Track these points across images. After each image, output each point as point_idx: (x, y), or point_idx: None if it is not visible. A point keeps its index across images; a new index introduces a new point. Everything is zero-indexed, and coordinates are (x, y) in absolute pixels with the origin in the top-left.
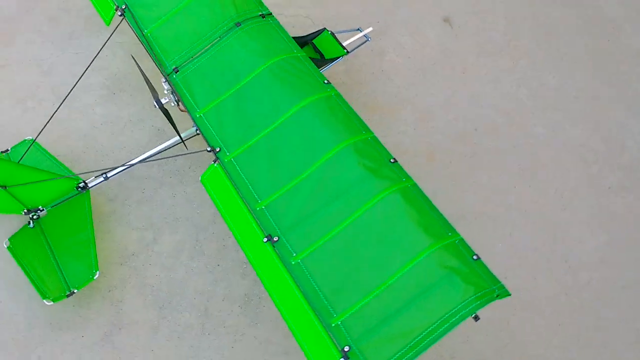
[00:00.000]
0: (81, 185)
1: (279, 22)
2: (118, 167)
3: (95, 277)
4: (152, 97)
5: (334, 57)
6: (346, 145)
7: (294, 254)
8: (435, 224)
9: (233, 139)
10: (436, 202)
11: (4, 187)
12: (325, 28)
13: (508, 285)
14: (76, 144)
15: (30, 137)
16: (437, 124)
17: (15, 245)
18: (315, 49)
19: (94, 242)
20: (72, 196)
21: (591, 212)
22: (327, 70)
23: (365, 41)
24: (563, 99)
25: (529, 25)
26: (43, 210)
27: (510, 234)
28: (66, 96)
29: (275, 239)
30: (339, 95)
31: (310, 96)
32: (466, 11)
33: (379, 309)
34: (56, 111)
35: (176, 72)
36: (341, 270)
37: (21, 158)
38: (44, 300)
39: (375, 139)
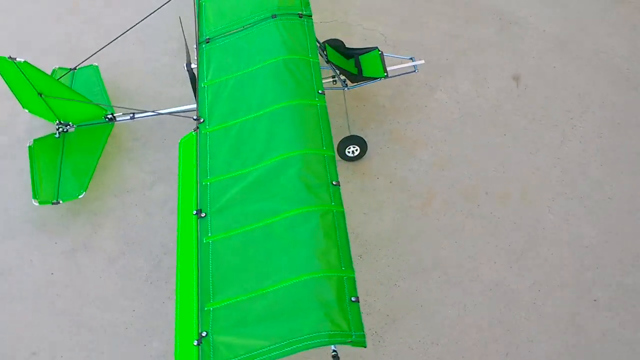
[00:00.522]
0: (109, 116)
1: (312, 25)
2: (147, 112)
3: (79, 197)
4: (186, 60)
5: (372, 76)
6: (298, 154)
7: (209, 234)
8: (334, 254)
9: (217, 116)
10: (412, 245)
11: (40, 94)
12: (377, 47)
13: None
14: (132, 82)
15: (97, 65)
16: (450, 174)
17: (37, 147)
18: (357, 64)
19: (94, 168)
20: (99, 123)
21: (559, 319)
22: (373, 89)
23: (412, 71)
24: (594, 195)
25: (599, 109)
26: (72, 127)
27: (465, 306)
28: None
29: (203, 215)
30: (323, 108)
31: (296, 99)
32: (541, 75)
33: (248, 311)
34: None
35: (207, 43)
36: (238, 264)
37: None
38: (33, 199)
39: (331, 158)
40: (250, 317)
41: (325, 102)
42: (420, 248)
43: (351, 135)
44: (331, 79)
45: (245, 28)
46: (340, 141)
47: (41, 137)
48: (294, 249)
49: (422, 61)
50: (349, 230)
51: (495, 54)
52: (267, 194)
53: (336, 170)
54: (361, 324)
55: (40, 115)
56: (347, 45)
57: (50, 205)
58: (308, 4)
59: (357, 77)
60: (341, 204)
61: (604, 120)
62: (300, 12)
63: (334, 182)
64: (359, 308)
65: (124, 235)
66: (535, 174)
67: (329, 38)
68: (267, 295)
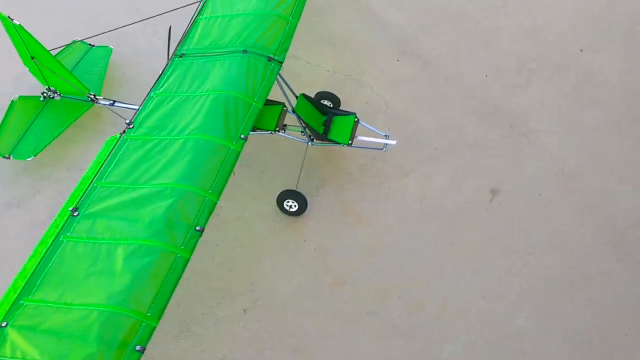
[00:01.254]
0: (91, 96)
1: (277, 71)
2: (126, 103)
3: (27, 159)
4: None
5: (334, 140)
6: (181, 188)
7: (68, 234)
8: (149, 296)
9: (145, 127)
10: (300, 319)
11: (32, 57)
12: (355, 113)
13: None
14: (139, 73)
15: (112, 48)
16: (377, 263)
17: (19, 103)
18: (327, 123)
19: (54, 138)
20: (81, 100)
21: None
22: (348, 153)
23: (380, 149)
24: (505, 342)
25: (565, 256)
26: (59, 96)
27: None
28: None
29: (76, 214)
30: (235, 153)
31: (214, 137)
32: (522, 198)
33: (47, 319)
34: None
35: (180, 57)
36: (74, 272)
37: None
38: None
39: (212, 203)
40: (44, 326)
41: (241, 148)
42: (306, 325)
43: (294, 191)
44: (301, 129)
45: (218, 55)
46: (282, 192)
47: (28, 96)
48: (118, 277)
49: (394, 142)
50: (252, 275)
51: (486, 159)
52: (131, 216)
53: (207, 218)
54: None
55: (36, 76)
56: (341, 102)
57: (7, 158)
58: (284, 51)
59: (321, 136)
60: (190, 251)
61: (562, 269)
62: (270, 56)
63: (197, 228)
64: (138, 358)
65: (56, 207)
66: (462, 296)
67: (328, 90)
68: (71, 311)
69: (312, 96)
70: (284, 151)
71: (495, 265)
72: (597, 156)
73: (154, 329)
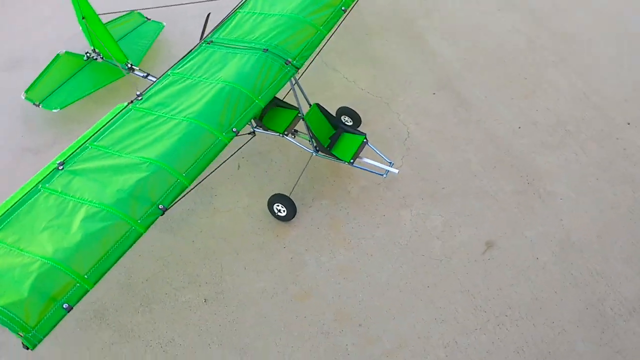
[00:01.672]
0: (128, 65)
1: (291, 76)
2: (157, 79)
3: (53, 110)
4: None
5: (336, 155)
6: (157, 165)
7: (47, 185)
8: (92, 259)
9: (152, 102)
10: (253, 330)
11: (83, 17)
12: (365, 135)
13: None
14: (179, 49)
15: (164, 25)
16: (345, 286)
17: (64, 57)
18: (335, 137)
19: (81, 97)
20: (119, 66)
21: None
22: (353, 173)
23: (380, 174)
24: None
25: (543, 330)
26: (101, 59)
27: None
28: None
29: (60, 168)
30: (221, 144)
31: (206, 124)
32: (516, 257)
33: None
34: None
35: (208, 44)
36: (37, 223)
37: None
38: (24, 92)
39: (182, 186)
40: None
41: (229, 140)
42: (259, 329)
43: (286, 196)
44: (308, 138)
45: (242, 48)
46: (274, 195)
47: (73, 53)
48: (71, 235)
49: (396, 171)
50: (223, 268)
51: (492, 211)
52: (105, 181)
53: (173, 199)
54: (49, 330)
55: (86, 36)
56: (362, 121)
57: (36, 106)
58: (304, 58)
59: (324, 149)
60: (145, 227)
61: (535, 340)
62: (289, 60)
63: (160, 206)
64: (61, 316)
65: None
66: (423, 340)
67: (354, 108)
68: (20, 257)
69: (335, 110)
70: (293, 156)
71: (467, 319)
72: (608, 235)
73: (86, 291)
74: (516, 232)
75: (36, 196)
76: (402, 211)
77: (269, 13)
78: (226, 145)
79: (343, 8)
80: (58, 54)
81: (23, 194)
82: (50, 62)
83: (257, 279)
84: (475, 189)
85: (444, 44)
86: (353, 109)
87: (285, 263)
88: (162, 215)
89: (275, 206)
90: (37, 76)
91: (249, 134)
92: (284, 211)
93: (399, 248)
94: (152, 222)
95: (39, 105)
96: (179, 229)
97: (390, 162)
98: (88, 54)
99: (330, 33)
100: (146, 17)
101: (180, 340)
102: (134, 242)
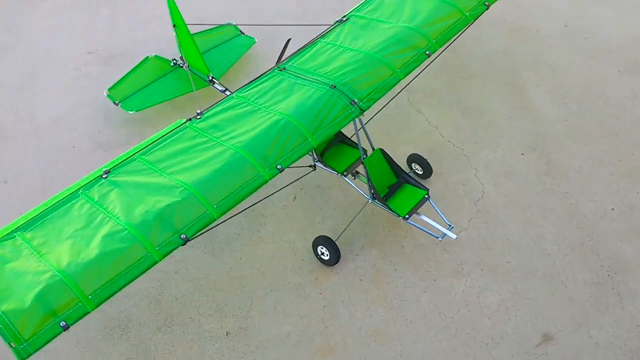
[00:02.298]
0: (210, 77)
1: (353, 116)
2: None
3: (129, 112)
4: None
5: (391, 208)
6: (190, 191)
7: (87, 192)
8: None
9: (208, 123)
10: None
11: (174, 25)
12: (428, 190)
13: None
14: (267, 67)
15: (255, 41)
16: (376, 350)
17: (152, 60)
18: (394, 187)
19: (160, 102)
20: (201, 77)
21: None
22: (413, 227)
23: (436, 236)
24: None
25: None
26: (187, 67)
27: None
28: None
29: (104, 176)
30: (261, 179)
31: (252, 157)
32: (578, 354)
33: (18, 261)
34: None
35: (280, 70)
36: (64, 228)
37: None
38: (107, 89)
39: (209, 217)
40: (12, 264)
41: (270, 177)
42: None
43: (333, 241)
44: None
45: (311, 80)
46: (320, 237)
47: (162, 57)
48: (89, 249)
49: (454, 236)
50: (253, 302)
51: (558, 299)
52: (138, 199)
53: (198, 230)
54: (42, 345)
55: (177, 43)
56: (433, 173)
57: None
58: (372, 100)
59: (380, 198)
60: (162, 255)
61: None
62: (355, 100)
63: (182, 236)
64: (57, 333)
65: None
66: None
67: (427, 157)
68: (39, 262)
69: (406, 155)
70: (353, 197)
71: None
72: None
73: (86, 313)
74: (580, 329)
75: (74, 201)
76: (455, 279)
77: (348, 47)
78: (267, 182)
79: (427, 52)
80: (147, 57)
81: (64, 196)
82: (139, 64)
83: (285, 322)
84: (544, 269)
85: (547, 101)
86: (426, 157)
87: (317, 310)
88: (183, 245)
89: (319, 248)
90: (123, 75)
91: (309, 166)
92: (327, 255)
93: (443, 320)
94: (171, 251)
95: (118, 105)
96: (220, 253)
97: (450, 225)
98: (175, 61)
99: (418, 71)
100: (240, 31)
101: None
102: (147, 269)
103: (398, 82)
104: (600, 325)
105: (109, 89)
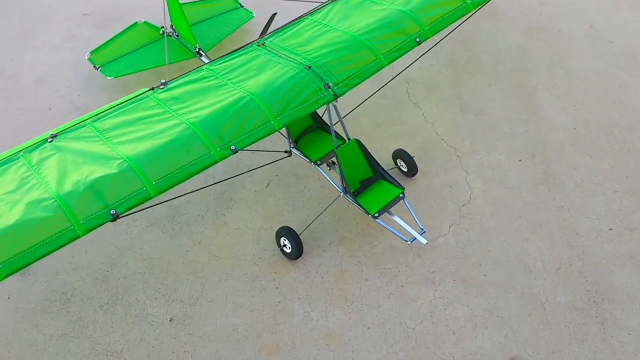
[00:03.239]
0: (197, 49)
1: (326, 103)
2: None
3: (107, 77)
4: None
5: (361, 204)
6: (131, 165)
7: (27, 155)
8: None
9: (169, 94)
10: None
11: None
12: (403, 189)
13: None
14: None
15: (253, 15)
16: (327, 356)
17: (140, 27)
18: (367, 182)
19: (139, 70)
20: (188, 48)
21: None
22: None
23: (405, 240)
24: None
25: None
26: (176, 36)
27: None
28: None
29: (50, 140)
30: (209, 160)
31: (204, 133)
32: None
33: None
34: None
35: (259, 45)
36: None
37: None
38: (88, 52)
39: (145, 193)
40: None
41: (221, 158)
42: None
43: (296, 234)
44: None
45: (287, 59)
46: (284, 228)
47: (151, 24)
48: (10, 214)
49: (424, 242)
50: (204, 290)
51: (531, 319)
52: (76, 167)
53: (129, 207)
54: None
55: (166, 10)
56: (418, 172)
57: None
58: (349, 86)
59: (350, 193)
60: (85, 231)
61: None
62: (329, 84)
63: (112, 212)
64: None
65: None
66: None
67: (413, 153)
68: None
69: (392, 150)
70: (330, 190)
71: None
72: None
73: None
74: (553, 357)
75: (12, 163)
76: (424, 287)
77: (334, 27)
78: (216, 162)
79: (418, 40)
80: (137, 22)
81: (4, 157)
82: (126, 28)
83: (233, 314)
84: (522, 287)
85: (557, 106)
86: (413, 155)
87: (270, 305)
88: (112, 221)
89: (282, 240)
90: (108, 39)
91: (284, 151)
92: (289, 248)
93: (403, 330)
94: (97, 227)
95: (97, 69)
96: (179, 234)
97: (423, 229)
98: (164, 29)
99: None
100: (240, 4)
101: (127, 354)
102: (67, 243)
103: (380, 69)
104: (577, 355)
105: (91, 52)
